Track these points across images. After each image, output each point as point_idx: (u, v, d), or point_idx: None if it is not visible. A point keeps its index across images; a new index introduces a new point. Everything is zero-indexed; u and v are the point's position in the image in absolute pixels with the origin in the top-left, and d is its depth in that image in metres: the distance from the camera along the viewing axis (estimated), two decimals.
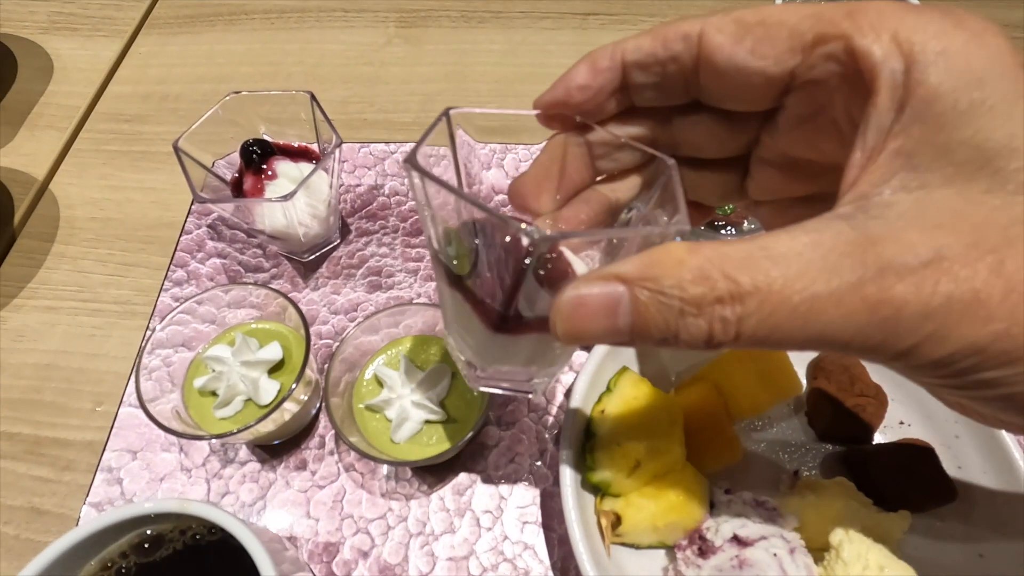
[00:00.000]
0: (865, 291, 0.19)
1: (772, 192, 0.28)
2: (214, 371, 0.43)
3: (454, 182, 0.30)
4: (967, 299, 0.18)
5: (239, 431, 0.39)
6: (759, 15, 0.23)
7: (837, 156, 0.23)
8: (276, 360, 0.44)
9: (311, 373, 0.44)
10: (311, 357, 0.42)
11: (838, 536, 0.37)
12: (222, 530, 0.34)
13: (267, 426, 0.42)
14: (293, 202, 0.47)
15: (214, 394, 0.43)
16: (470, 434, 0.39)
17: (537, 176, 0.29)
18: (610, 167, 0.28)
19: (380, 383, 0.44)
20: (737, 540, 0.37)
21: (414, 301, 0.49)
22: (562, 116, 0.27)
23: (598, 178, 0.29)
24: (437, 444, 0.42)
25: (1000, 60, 0.19)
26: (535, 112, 0.27)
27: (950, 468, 0.43)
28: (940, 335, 0.19)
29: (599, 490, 0.41)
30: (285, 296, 0.44)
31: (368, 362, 0.45)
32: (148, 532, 0.34)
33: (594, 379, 0.43)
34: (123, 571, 0.33)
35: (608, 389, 0.43)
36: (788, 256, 0.19)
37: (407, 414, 0.41)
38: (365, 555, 0.43)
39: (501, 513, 0.45)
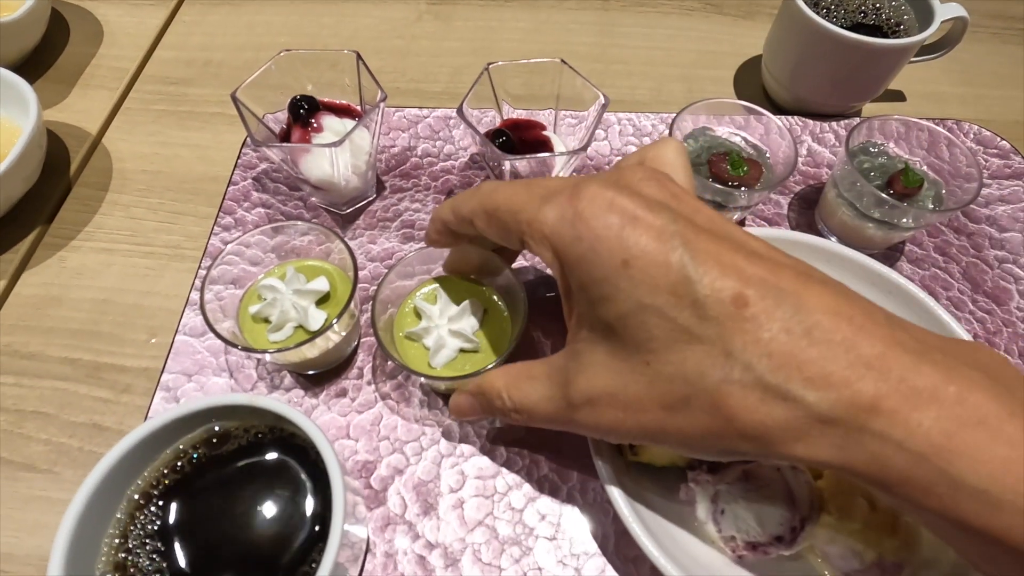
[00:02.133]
0: (560, 408, 0.35)
1: None
2: (267, 299, 0.46)
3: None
4: (602, 424, 0.34)
5: (293, 347, 0.43)
6: (494, 204, 0.36)
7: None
8: (324, 292, 0.48)
9: (355, 307, 0.48)
10: (356, 290, 0.46)
11: None
12: (282, 430, 0.38)
13: (313, 350, 0.46)
14: (339, 151, 0.51)
15: (266, 321, 0.47)
16: (499, 359, 0.43)
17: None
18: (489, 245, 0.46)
19: (419, 315, 0.47)
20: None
21: None
22: (439, 243, 0.45)
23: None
24: (470, 369, 0.45)
25: (605, 250, 0.30)
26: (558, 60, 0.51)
27: None
28: (590, 425, 0.35)
29: None
30: (334, 231, 0.48)
31: (408, 297, 0.49)
32: (216, 428, 0.38)
33: None
34: (194, 460, 0.37)
35: None
36: (534, 379, 0.36)
37: (443, 342, 0.45)
38: (400, 472, 0.47)
39: (527, 439, 0.48)
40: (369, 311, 0.44)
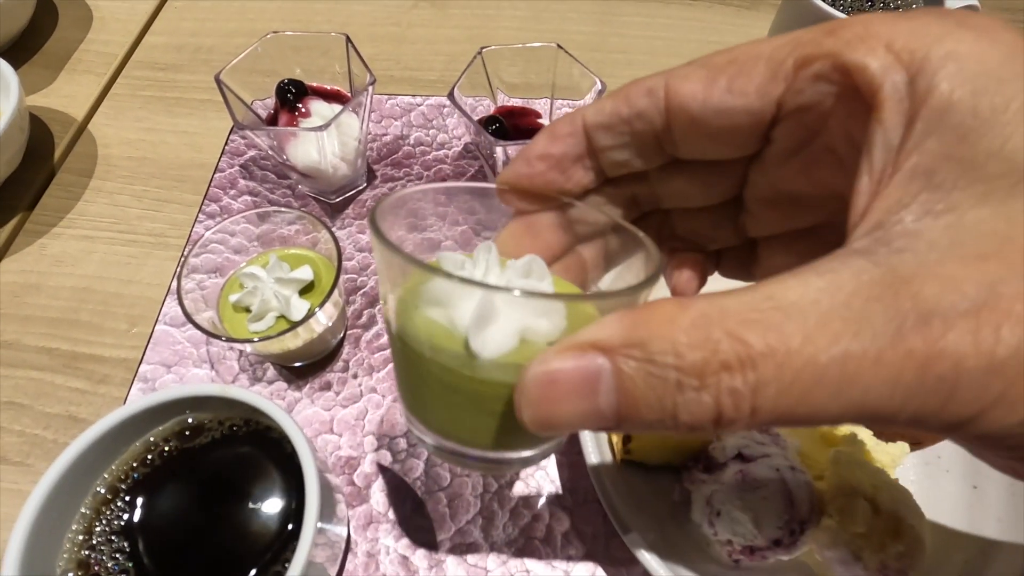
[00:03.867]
0: (909, 344, 0.15)
1: (771, 227, 0.26)
2: (248, 287, 0.45)
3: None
4: None
5: (275, 336, 0.41)
6: (729, 55, 0.21)
7: (838, 185, 0.21)
8: (307, 280, 0.46)
9: (339, 296, 0.46)
10: (340, 279, 0.44)
11: (834, 455, 0.39)
12: (258, 423, 0.37)
13: (295, 341, 0.44)
14: (326, 135, 0.50)
15: (247, 310, 0.45)
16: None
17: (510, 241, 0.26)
18: (586, 231, 0.26)
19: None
20: (741, 457, 0.39)
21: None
22: (526, 192, 0.25)
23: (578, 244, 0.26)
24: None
25: (1017, 57, 0.17)
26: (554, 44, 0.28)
27: None
28: (1012, 395, 0.15)
29: None
30: (320, 220, 0.46)
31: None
32: (189, 420, 0.37)
33: None
34: (165, 453, 0.36)
35: None
36: (802, 306, 0.15)
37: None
38: (385, 468, 0.45)
39: None
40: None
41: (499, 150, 0.50)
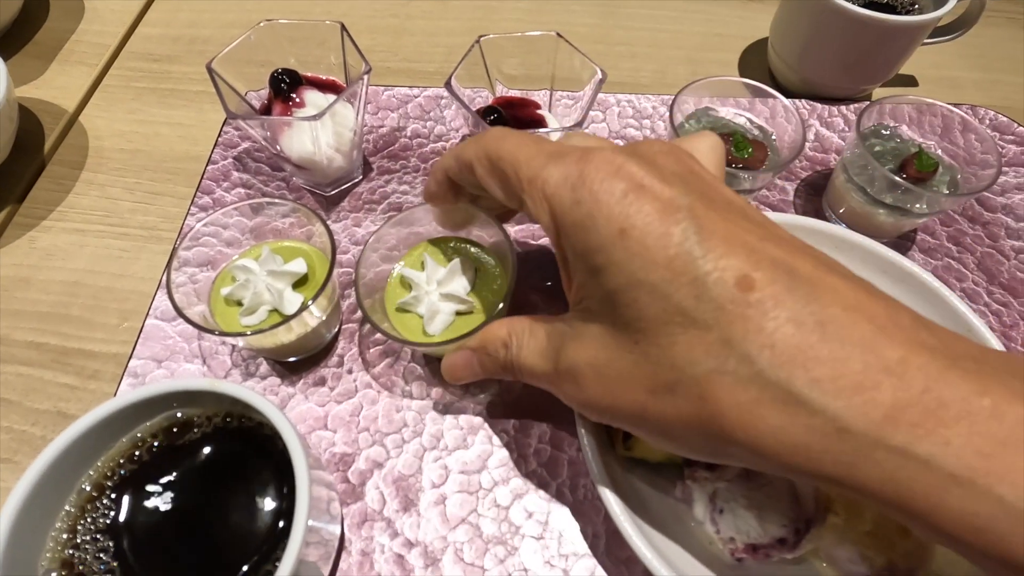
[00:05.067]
0: (549, 371, 0.34)
1: None
2: (240, 280, 0.44)
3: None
4: (582, 397, 0.32)
5: (267, 330, 0.40)
6: (498, 153, 0.32)
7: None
8: (301, 273, 0.45)
9: (333, 289, 0.45)
10: (334, 272, 0.43)
11: None
12: (249, 419, 0.36)
13: (288, 335, 0.43)
14: (320, 126, 0.49)
15: (239, 304, 0.44)
16: (494, 314, 0.40)
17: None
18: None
19: (407, 285, 0.45)
20: None
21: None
22: (437, 197, 0.41)
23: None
24: (468, 331, 0.43)
25: (603, 217, 0.27)
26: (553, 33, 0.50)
27: None
28: (572, 396, 0.33)
29: None
30: (315, 212, 0.45)
31: (391, 271, 0.46)
32: (178, 416, 0.36)
33: None
34: (153, 449, 0.35)
35: None
36: (535, 335, 0.34)
37: (437, 307, 0.43)
38: (380, 465, 0.44)
39: (514, 433, 0.46)
40: (353, 296, 0.41)
41: None
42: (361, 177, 0.59)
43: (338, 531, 0.39)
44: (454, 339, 0.41)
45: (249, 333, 0.41)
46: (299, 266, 0.45)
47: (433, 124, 0.63)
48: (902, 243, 0.57)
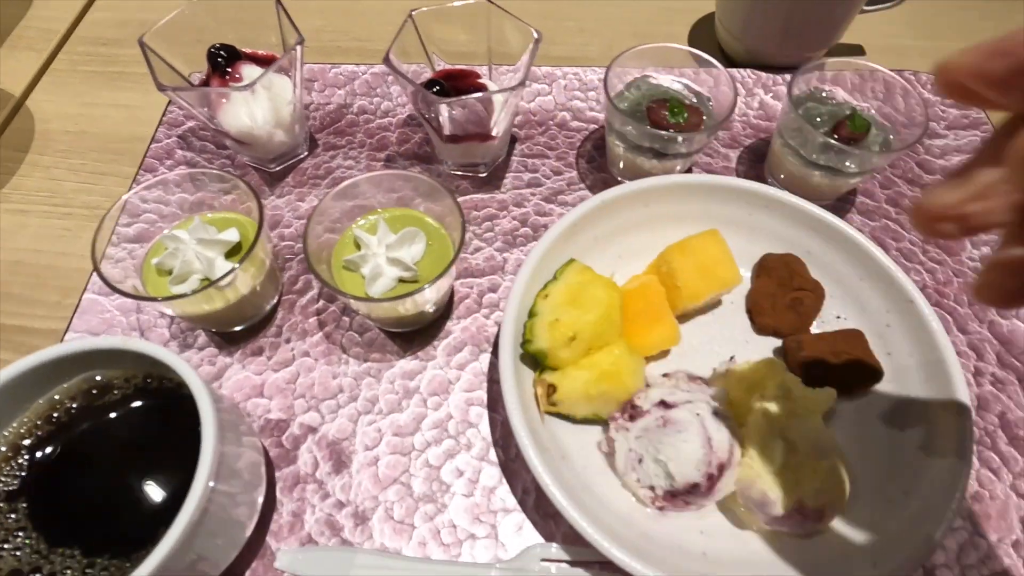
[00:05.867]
0: None
1: None
2: (169, 248, 0.44)
3: None
4: None
5: (189, 294, 0.40)
6: None
7: None
8: (233, 242, 0.45)
9: (264, 256, 0.45)
10: (263, 236, 0.44)
11: (756, 397, 0.39)
12: (168, 379, 0.36)
13: (220, 301, 0.43)
14: (255, 98, 0.49)
15: (170, 273, 0.45)
16: (440, 274, 0.41)
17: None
18: None
19: (358, 245, 0.45)
20: (663, 404, 0.39)
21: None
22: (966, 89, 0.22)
23: None
24: (409, 303, 0.43)
25: None
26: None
27: (880, 354, 0.44)
28: None
29: (539, 365, 0.43)
30: (243, 180, 0.45)
31: (348, 229, 0.47)
32: (97, 378, 0.36)
33: (539, 269, 0.45)
34: (72, 411, 0.35)
35: (554, 278, 0.45)
36: None
37: (381, 270, 0.43)
38: (314, 430, 0.45)
39: (448, 396, 0.46)
40: (293, 268, 0.42)
41: (443, 108, 0.49)
42: (307, 153, 0.60)
43: (262, 493, 0.39)
44: (391, 298, 0.41)
45: (176, 296, 0.41)
46: (231, 235, 0.45)
47: (380, 100, 0.64)
48: (842, 206, 0.57)
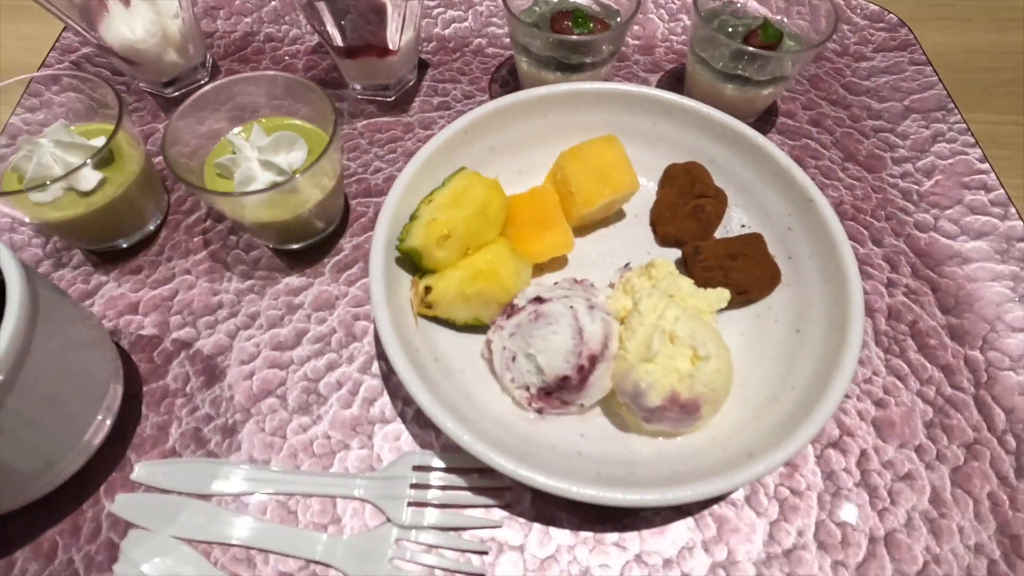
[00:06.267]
0: None
1: None
2: (24, 152, 0.42)
3: None
4: None
5: (27, 190, 0.38)
6: None
7: None
8: (96, 148, 0.43)
9: (136, 167, 0.43)
10: (130, 143, 0.41)
11: (639, 293, 0.37)
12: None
13: (78, 206, 0.41)
14: (133, 11, 0.47)
15: (27, 177, 0.42)
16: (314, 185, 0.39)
17: None
18: None
19: (231, 150, 0.43)
20: (538, 299, 0.37)
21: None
22: None
23: None
24: (285, 214, 0.41)
25: None
26: None
27: (781, 258, 0.43)
28: None
29: (418, 270, 0.40)
30: (108, 83, 0.43)
31: (224, 138, 0.45)
32: None
33: (425, 174, 0.43)
34: None
35: (442, 185, 0.43)
36: None
37: (253, 174, 0.41)
38: (188, 346, 0.42)
39: (333, 311, 0.44)
40: (183, 189, 0.40)
41: (323, 8, 0.47)
42: (208, 78, 0.57)
43: (110, 402, 0.36)
44: (252, 192, 0.39)
45: (23, 191, 0.38)
46: (96, 141, 0.43)
47: (288, 28, 0.61)
48: (761, 126, 0.55)
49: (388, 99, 0.56)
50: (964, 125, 0.55)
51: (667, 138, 0.48)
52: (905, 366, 0.43)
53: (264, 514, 0.36)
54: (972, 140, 0.54)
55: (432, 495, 0.36)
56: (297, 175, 0.38)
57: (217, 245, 0.47)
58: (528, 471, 0.31)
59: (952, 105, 0.56)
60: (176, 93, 0.56)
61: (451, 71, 0.59)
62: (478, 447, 0.32)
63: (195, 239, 0.47)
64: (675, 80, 0.59)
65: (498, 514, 0.36)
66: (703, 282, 0.41)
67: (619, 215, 0.47)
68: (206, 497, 0.37)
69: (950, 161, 0.53)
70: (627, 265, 0.43)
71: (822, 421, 0.33)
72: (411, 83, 0.57)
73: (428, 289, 0.39)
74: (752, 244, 0.42)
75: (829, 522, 0.37)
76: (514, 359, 0.36)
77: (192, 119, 0.43)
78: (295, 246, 0.46)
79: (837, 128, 0.56)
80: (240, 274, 0.46)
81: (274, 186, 0.41)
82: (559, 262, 0.44)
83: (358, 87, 0.56)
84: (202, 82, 0.57)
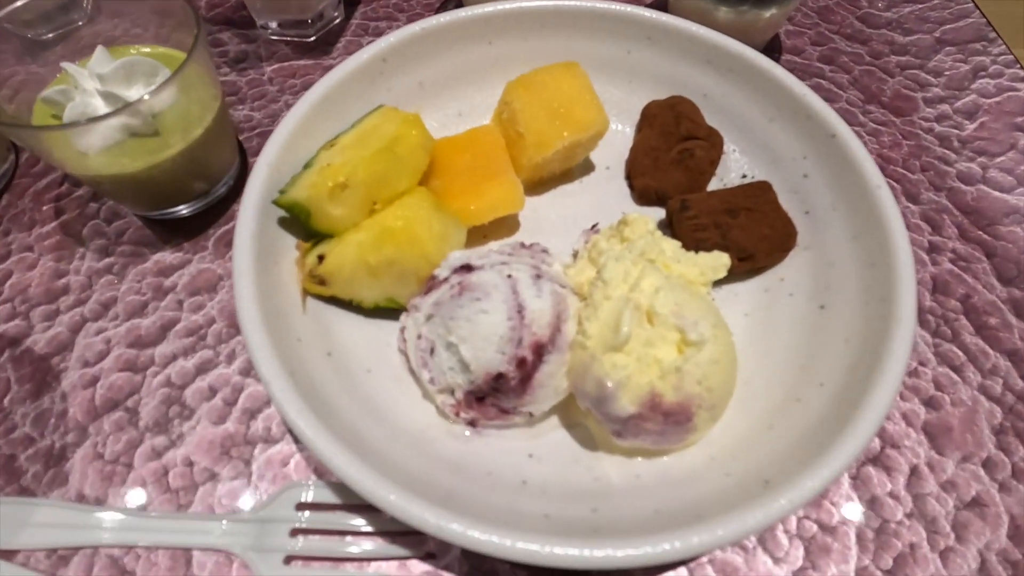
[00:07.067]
0: None
1: None
2: None
3: None
4: None
5: None
6: None
7: None
8: None
9: None
10: None
11: (603, 257, 0.27)
12: None
13: None
14: None
15: None
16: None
17: None
18: None
19: (65, 80, 0.33)
20: (466, 268, 0.27)
21: None
22: None
23: None
24: (143, 163, 0.31)
25: None
26: None
27: (796, 214, 0.32)
28: None
29: (312, 235, 0.30)
30: None
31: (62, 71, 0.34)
32: None
33: (328, 111, 0.33)
34: None
35: (351, 126, 0.32)
36: None
37: (91, 107, 0.31)
38: (15, 343, 0.32)
39: (214, 296, 0.34)
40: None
41: None
42: (83, 22, 0.46)
43: None
44: (78, 124, 0.29)
45: None
46: None
47: None
48: None
49: (307, 39, 0.46)
50: (1011, 56, 0.45)
51: (646, 69, 0.38)
52: (961, 353, 0.33)
53: None
54: (1022, 73, 0.44)
55: (321, 545, 0.26)
56: (142, 99, 0.28)
57: (72, 214, 0.37)
58: (442, 518, 0.21)
59: (994, 34, 0.46)
60: (50, 35, 0.45)
61: (386, 7, 0.49)
62: (371, 486, 0.22)
63: (45, 207, 0.37)
64: (656, 5, 0.49)
65: (417, 569, 0.26)
66: (694, 246, 0.30)
67: (586, 167, 0.37)
68: (6, 555, 0.26)
69: (996, 99, 0.43)
70: (594, 227, 0.32)
71: (869, 431, 0.23)
72: (336, 20, 0.47)
73: (321, 259, 0.28)
74: (757, 196, 0.32)
75: (874, 570, 0.27)
76: (432, 351, 0.26)
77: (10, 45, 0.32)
78: (171, 212, 0.36)
79: (855, 66, 0.46)
80: (97, 250, 0.35)
81: (134, 143, 0.30)
82: (507, 226, 0.34)
83: (272, 25, 0.46)
84: (78, 23, 0.46)
